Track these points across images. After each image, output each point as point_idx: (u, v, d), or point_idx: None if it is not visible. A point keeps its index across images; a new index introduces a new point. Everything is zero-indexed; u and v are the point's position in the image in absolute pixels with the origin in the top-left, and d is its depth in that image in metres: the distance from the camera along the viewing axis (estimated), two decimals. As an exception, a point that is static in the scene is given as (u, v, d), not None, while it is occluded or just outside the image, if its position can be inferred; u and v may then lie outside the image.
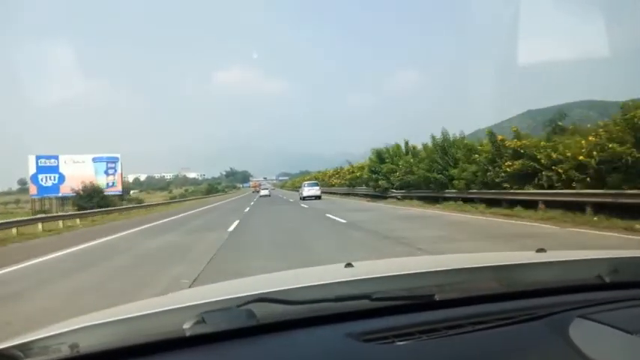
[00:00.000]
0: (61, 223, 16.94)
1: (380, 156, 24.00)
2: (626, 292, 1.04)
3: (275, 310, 0.86)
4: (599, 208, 8.99)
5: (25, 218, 17.01)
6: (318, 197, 29.14)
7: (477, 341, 0.83)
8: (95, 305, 2.98)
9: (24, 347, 0.77)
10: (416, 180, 18.73)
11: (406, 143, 24.10)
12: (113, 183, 38.52)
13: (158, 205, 37.89)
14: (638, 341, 0.78)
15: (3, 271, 6.72)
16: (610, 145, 8.79)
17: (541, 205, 10.83)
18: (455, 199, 15.42)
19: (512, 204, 12.02)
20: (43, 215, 18.03)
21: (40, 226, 15.25)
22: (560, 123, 12.13)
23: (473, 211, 12.90)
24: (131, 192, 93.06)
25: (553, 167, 10.62)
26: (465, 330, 0.85)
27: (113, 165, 38.80)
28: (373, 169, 24.01)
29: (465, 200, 14.59)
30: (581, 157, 9.70)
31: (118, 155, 39.78)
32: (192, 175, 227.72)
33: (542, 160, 10.97)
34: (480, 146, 14.56)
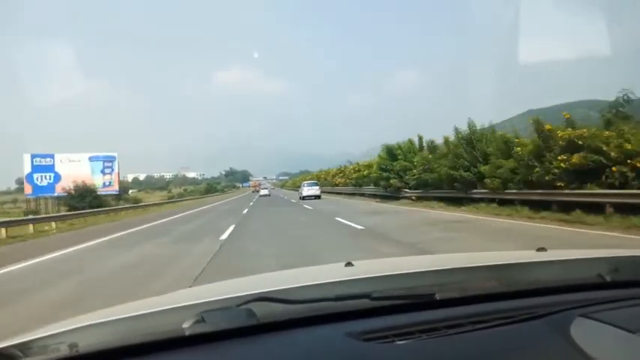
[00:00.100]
0: (31, 227, 14.79)
1: (391, 152, 21.83)
2: (627, 291, 1.02)
3: (275, 310, 0.85)
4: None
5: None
6: (317, 197, 29.18)
7: (477, 340, 0.82)
8: None
9: (23, 347, 0.76)
10: (436, 179, 16.55)
11: (420, 138, 21.95)
12: (110, 182, 37.66)
13: (153, 205, 36.13)
14: (639, 340, 0.78)
15: None
16: None
17: (609, 209, 8.68)
18: (486, 201, 13.26)
19: (565, 207, 9.86)
20: (7, 219, 15.79)
21: (3, 231, 13.11)
22: (622, 109, 9.96)
23: (516, 216, 10.72)
24: (130, 191, 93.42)
25: (629, 161, 8.47)
26: (465, 329, 0.84)
27: (110, 164, 37.98)
28: (383, 166, 21.83)
29: (501, 202, 12.42)
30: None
31: (115, 154, 38.87)
32: (191, 174, 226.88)
33: (613, 153, 8.80)
34: (517, 139, 12.38)
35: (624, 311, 0.92)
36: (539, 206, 10.75)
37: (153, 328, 0.83)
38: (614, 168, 8.82)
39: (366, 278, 1.11)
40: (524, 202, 11.48)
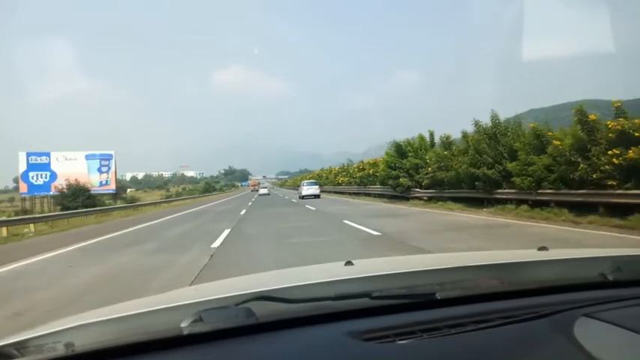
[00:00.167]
0: (5, 230, 13.32)
1: (400, 149, 20.33)
2: (629, 290, 1.01)
3: (274, 309, 0.85)
4: None
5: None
6: (317, 196, 29.26)
7: (479, 340, 0.81)
8: None
9: (20, 345, 0.76)
10: (453, 177, 15.07)
11: (431, 134, 20.48)
12: (107, 181, 37.14)
13: (148, 205, 34.69)
14: None
15: None
16: None
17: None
18: (513, 202, 11.79)
19: (616, 209, 8.40)
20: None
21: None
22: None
23: (556, 220, 9.25)
24: (128, 190, 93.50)
25: None
26: (466, 329, 0.83)
27: (107, 162, 37.40)
28: (392, 164, 20.35)
29: (534, 203, 10.95)
30: None
31: (112, 152, 38.17)
32: (190, 173, 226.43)
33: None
34: (550, 133, 10.90)
35: (627, 311, 0.90)
36: (581, 209, 9.28)
37: (150, 327, 0.82)
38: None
39: (366, 277, 1.11)
40: (561, 204, 10.01)
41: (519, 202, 11.54)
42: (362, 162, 31.74)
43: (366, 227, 9.52)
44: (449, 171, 15.55)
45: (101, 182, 36.57)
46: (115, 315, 0.87)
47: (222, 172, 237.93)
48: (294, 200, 28.87)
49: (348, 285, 1.02)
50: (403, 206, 17.18)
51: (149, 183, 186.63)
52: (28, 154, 35.16)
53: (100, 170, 36.90)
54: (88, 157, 36.81)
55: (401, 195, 20.30)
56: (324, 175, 48.74)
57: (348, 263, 1.26)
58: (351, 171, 33.42)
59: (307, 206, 20.42)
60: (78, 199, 30.41)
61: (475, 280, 1.10)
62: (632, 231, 7.25)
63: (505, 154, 12.40)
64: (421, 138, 20.10)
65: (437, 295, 0.93)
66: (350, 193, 32.15)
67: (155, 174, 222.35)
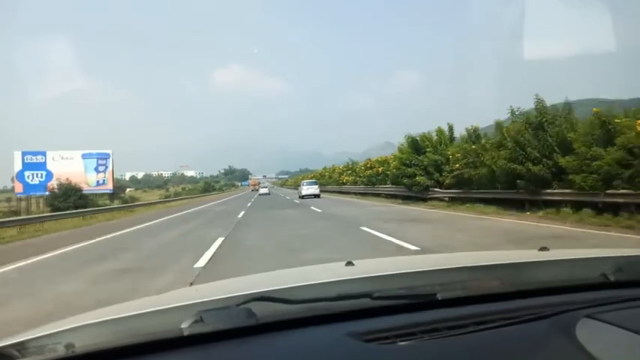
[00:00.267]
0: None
1: (416, 145, 18.22)
2: (631, 291, 1.00)
3: (275, 309, 0.84)
4: None
5: None
6: (317, 196, 29.31)
7: (480, 341, 0.81)
8: None
9: (20, 346, 0.76)
10: (484, 175, 12.95)
11: (450, 127, 18.36)
12: (104, 181, 36.21)
13: (143, 205, 32.83)
14: None
15: None
16: None
17: None
18: (569, 204, 9.68)
19: None
20: None
21: None
22: None
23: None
24: (127, 190, 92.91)
25: None
26: (467, 330, 0.83)
27: (104, 162, 36.47)
28: (407, 162, 18.22)
29: (602, 207, 8.83)
30: None
31: (109, 151, 37.24)
32: (190, 173, 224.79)
33: None
34: (618, 119, 8.80)
35: (629, 312, 0.90)
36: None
37: (151, 328, 0.82)
38: None
39: (366, 278, 1.11)
40: (640, 208, 7.92)
41: (577, 205, 9.43)
42: (369, 160, 29.65)
43: (394, 238, 7.44)
44: (478, 168, 13.44)
45: (98, 182, 35.72)
46: (116, 316, 0.87)
47: (222, 171, 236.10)
48: (296, 201, 26.81)
49: (349, 285, 1.01)
50: (423, 208, 15.07)
51: (149, 183, 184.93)
52: (24, 154, 34.31)
53: (96, 170, 35.95)
54: (84, 157, 35.92)
55: (417, 195, 18.20)
56: (327, 174, 46.69)
57: (349, 263, 1.25)
58: (357, 170, 31.26)
59: (312, 208, 18.32)
60: (69, 200, 28.88)
61: (476, 281, 1.09)
62: None
63: (555, 147, 10.29)
64: (440, 131, 18.00)
65: (438, 295, 0.92)
66: (356, 193, 30.06)
67: (155, 174, 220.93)
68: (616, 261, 1.16)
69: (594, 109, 9.40)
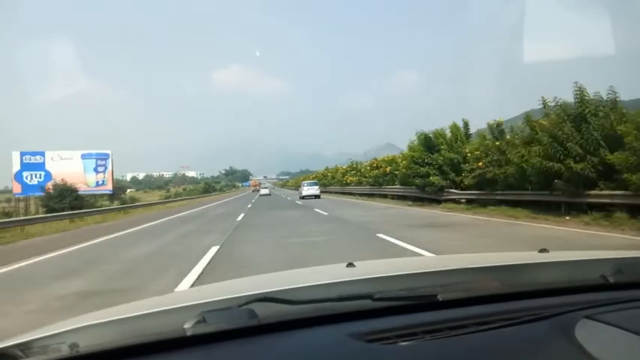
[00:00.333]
0: None
1: (429, 142, 16.88)
2: (631, 292, 1.01)
3: (277, 310, 0.84)
4: None
5: None
6: (317, 196, 29.61)
7: (481, 342, 0.81)
8: None
9: (24, 346, 0.75)
10: (511, 174, 11.59)
11: (465, 124, 17.03)
12: (103, 181, 35.80)
13: (141, 206, 31.60)
14: None
15: None
16: None
17: None
18: (622, 208, 8.32)
19: None
20: None
21: None
22: None
23: None
24: (128, 191, 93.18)
25: None
26: (468, 330, 0.83)
27: (103, 162, 36.03)
28: (418, 160, 16.86)
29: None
30: None
31: (109, 151, 36.76)
32: (191, 173, 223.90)
33: None
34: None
35: (629, 313, 0.90)
36: None
37: (154, 329, 0.82)
38: None
39: (368, 279, 1.11)
40: None
41: (632, 209, 8.08)
42: (375, 159, 28.31)
43: (425, 250, 6.13)
44: (502, 167, 12.09)
45: (97, 182, 35.32)
46: (119, 316, 0.87)
47: (223, 172, 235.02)
48: (298, 202, 25.51)
49: (350, 286, 1.01)
50: (440, 211, 13.73)
51: (149, 183, 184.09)
52: (22, 154, 33.87)
53: (96, 170, 35.53)
54: (84, 157, 35.45)
55: (430, 197, 16.85)
56: (329, 174, 45.41)
57: (350, 265, 1.26)
58: (362, 170, 29.88)
59: (317, 210, 17.00)
60: (65, 201, 27.89)
61: (476, 282, 1.09)
62: None
63: (601, 142, 8.94)
64: (455, 127, 16.65)
65: (439, 296, 0.92)
66: (360, 194, 28.77)
67: (156, 174, 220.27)
68: (615, 262, 1.17)
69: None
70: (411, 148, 18.52)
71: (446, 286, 1.02)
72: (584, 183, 9.20)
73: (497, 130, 13.10)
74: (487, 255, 2.18)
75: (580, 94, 9.59)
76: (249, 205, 24.77)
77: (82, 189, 32.26)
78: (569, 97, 9.76)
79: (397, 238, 7.45)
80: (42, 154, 34.61)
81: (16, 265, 6.98)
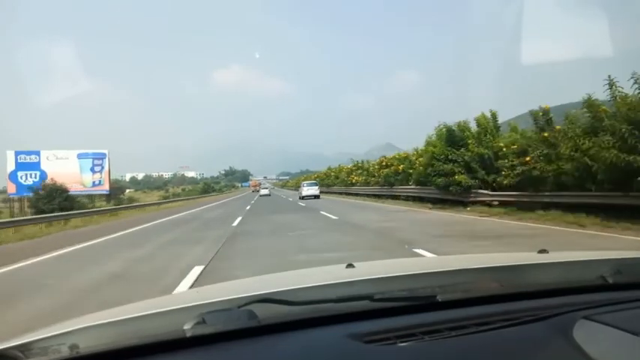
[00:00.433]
0: None
1: (452, 136, 14.77)
2: (629, 293, 1.01)
3: (277, 311, 0.85)
4: None
5: None
6: (317, 196, 29.72)
7: (480, 342, 0.81)
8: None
9: (24, 348, 0.75)
10: (569, 171, 9.48)
11: (493, 115, 14.92)
12: (100, 181, 34.98)
13: (134, 207, 29.86)
14: None
15: None
16: None
17: None
18: None
19: None
20: None
21: None
22: None
23: None
24: (127, 191, 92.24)
25: None
26: (467, 331, 0.83)
27: (100, 162, 35.22)
28: (440, 157, 14.74)
29: None
30: None
31: (106, 151, 35.81)
32: (190, 174, 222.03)
33: None
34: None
35: (627, 313, 0.90)
36: None
37: (154, 330, 0.82)
38: None
39: (367, 280, 1.10)
40: None
41: None
42: (384, 157, 26.18)
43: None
44: (552, 162, 9.99)
45: (94, 182, 34.40)
46: (119, 317, 0.87)
47: (223, 172, 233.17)
48: (301, 204, 23.44)
49: (350, 287, 1.01)
50: (471, 215, 11.61)
51: (149, 184, 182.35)
52: (17, 153, 32.94)
53: (92, 170, 34.56)
54: (80, 157, 34.49)
55: (454, 199, 14.74)
56: (332, 174, 43.25)
57: (350, 266, 1.26)
58: (370, 169, 27.67)
59: (324, 213, 14.92)
60: (54, 201, 26.54)
61: (476, 283, 1.09)
62: None
63: None
64: (483, 119, 14.53)
65: (438, 297, 0.92)
66: (368, 195, 26.61)
67: (155, 174, 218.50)
68: (614, 263, 1.18)
69: None
70: (429, 143, 16.41)
71: (445, 286, 1.01)
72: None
73: (543, 118, 10.97)
74: (486, 256, 2.12)
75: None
76: (248, 207, 22.69)
77: (79, 189, 31.81)
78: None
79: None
80: (37, 153, 33.65)
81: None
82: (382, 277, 1.11)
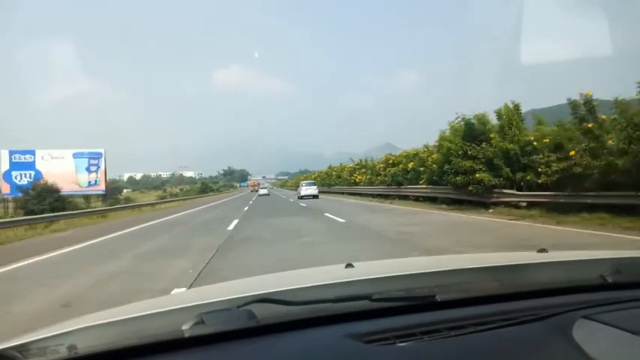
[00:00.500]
0: None
1: (472, 130, 13.34)
2: (629, 292, 1.00)
3: (276, 311, 0.84)
4: None
5: None
6: (315, 196, 29.45)
7: (479, 342, 0.81)
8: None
9: (22, 348, 0.75)
10: (618, 168, 8.05)
11: (516, 106, 13.46)
12: (96, 181, 34.47)
13: (121, 209, 28.27)
14: None
15: None
16: None
17: None
18: None
19: None
20: None
21: None
22: None
23: None
24: (124, 191, 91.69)
25: None
26: (466, 331, 0.83)
27: (96, 161, 34.65)
28: (457, 153, 13.30)
29: None
30: None
31: (102, 150, 35.20)
32: (189, 173, 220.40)
33: None
34: None
35: (627, 313, 0.89)
36: None
37: (152, 330, 0.81)
38: None
39: (366, 279, 1.10)
40: None
41: None
42: (390, 155, 24.72)
43: None
44: (598, 158, 8.56)
45: (90, 182, 33.86)
46: (117, 318, 0.86)
47: (221, 172, 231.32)
48: (302, 204, 22.01)
49: (349, 287, 1.00)
50: (499, 219, 10.17)
51: (147, 183, 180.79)
52: (11, 152, 32.35)
53: (88, 169, 33.99)
54: (75, 156, 33.85)
55: (473, 199, 13.32)
56: (333, 173, 41.80)
57: (349, 266, 1.24)
58: (377, 167, 26.17)
59: (328, 215, 13.51)
60: (44, 202, 25.49)
61: (475, 283, 1.08)
62: None
63: None
64: (507, 110, 13.08)
65: (437, 297, 0.92)
66: (373, 195, 25.16)
67: (153, 174, 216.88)
68: (614, 262, 1.16)
69: None
70: (443, 139, 14.98)
71: (444, 286, 1.00)
72: None
73: (586, 107, 9.50)
74: (485, 255, 2.13)
75: None
76: (246, 208, 21.25)
77: (74, 189, 31.38)
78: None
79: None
80: (32, 152, 32.99)
81: None
82: (381, 277, 1.10)
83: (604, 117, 8.89)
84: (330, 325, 0.84)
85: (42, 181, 27.50)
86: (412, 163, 19.55)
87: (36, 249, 8.74)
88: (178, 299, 1.16)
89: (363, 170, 29.83)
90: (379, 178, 24.79)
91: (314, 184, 33.03)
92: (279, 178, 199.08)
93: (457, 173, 13.21)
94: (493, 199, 12.52)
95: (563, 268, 1.21)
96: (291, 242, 7.69)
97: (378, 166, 25.71)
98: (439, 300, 0.91)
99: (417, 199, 18.76)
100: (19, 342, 0.76)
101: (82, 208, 26.06)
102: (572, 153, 9.25)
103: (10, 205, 31.33)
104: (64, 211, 22.14)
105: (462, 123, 13.60)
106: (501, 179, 12.16)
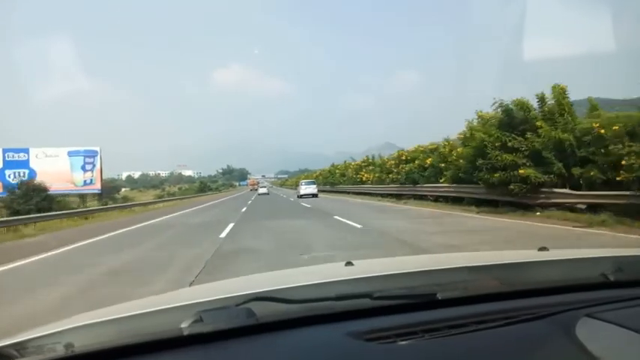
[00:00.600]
0: None
1: (510, 118, 11.24)
2: (631, 290, 0.99)
3: (275, 309, 0.84)
4: None
5: None
6: (315, 195, 29.55)
7: (480, 341, 0.80)
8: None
9: (19, 346, 0.75)
10: None
11: (562, 90, 11.35)
12: (91, 180, 33.67)
13: (116, 208, 26.92)
14: None
15: None
16: None
17: None
18: None
19: None
20: None
21: None
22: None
23: None
24: (122, 190, 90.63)
25: None
26: (467, 329, 0.82)
27: (91, 159, 33.83)
28: (493, 144, 11.20)
29: None
30: None
31: (97, 148, 34.07)
32: (188, 172, 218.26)
33: None
34: None
35: (629, 311, 0.89)
36: None
37: (150, 328, 0.80)
38: None
39: (366, 278, 1.09)
40: None
41: None
42: (402, 150, 22.59)
43: None
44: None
45: (85, 181, 33.09)
46: (115, 316, 0.85)
47: (221, 171, 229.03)
48: (305, 204, 19.95)
49: (349, 285, 0.99)
50: (557, 225, 8.09)
51: (145, 182, 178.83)
52: (5, 151, 31.59)
53: (84, 168, 33.16)
54: (70, 154, 32.88)
55: (511, 200, 11.22)
56: (337, 171, 39.71)
57: (349, 264, 1.23)
58: (388, 164, 23.98)
59: (338, 218, 11.50)
60: (31, 202, 24.11)
61: (476, 281, 1.07)
62: None
63: None
64: (559, 93, 10.93)
65: (438, 295, 0.91)
66: (384, 195, 23.03)
67: (152, 173, 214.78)
68: (616, 261, 1.14)
69: None
70: (473, 129, 12.89)
71: (445, 284, 0.99)
72: None
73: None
74: (486, 253, 2.08)
75: None
76: (244, 209, 19.17)
77: (69, 188, 30.81)
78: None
79: None
80: (26, 151, 32.09)
81: None
82: (382, 275, 1.08)
83: None
84: (330, 324, 0.83)
85: (33, 180, 26.24)
86: (430, 159, 17.45)
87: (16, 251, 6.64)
88: (177, 297, 1.08)
89: (370, 168, 27.72)
90: (390, 176, 22.66)
91: (313, 183, 33.07)
92: (279, 177, 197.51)
93: (494, 169, 11.11)
94: (540, 200, 10.43)
95: (564, 266, 1.20)
96: (299, 258, 5.64)
97: (389, 163, 23.56)
98: (440, 298, 0.90)
99: (436, 199, 16.67)
100: (16, 340, 0.75)
101: (72, 208, 24.82)
102: None
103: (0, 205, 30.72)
104: (50, 211, 20.99)
105: (500, 110, 11.49)
106: (552, 176, 10.06)
